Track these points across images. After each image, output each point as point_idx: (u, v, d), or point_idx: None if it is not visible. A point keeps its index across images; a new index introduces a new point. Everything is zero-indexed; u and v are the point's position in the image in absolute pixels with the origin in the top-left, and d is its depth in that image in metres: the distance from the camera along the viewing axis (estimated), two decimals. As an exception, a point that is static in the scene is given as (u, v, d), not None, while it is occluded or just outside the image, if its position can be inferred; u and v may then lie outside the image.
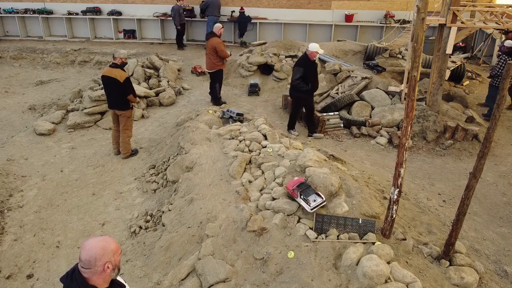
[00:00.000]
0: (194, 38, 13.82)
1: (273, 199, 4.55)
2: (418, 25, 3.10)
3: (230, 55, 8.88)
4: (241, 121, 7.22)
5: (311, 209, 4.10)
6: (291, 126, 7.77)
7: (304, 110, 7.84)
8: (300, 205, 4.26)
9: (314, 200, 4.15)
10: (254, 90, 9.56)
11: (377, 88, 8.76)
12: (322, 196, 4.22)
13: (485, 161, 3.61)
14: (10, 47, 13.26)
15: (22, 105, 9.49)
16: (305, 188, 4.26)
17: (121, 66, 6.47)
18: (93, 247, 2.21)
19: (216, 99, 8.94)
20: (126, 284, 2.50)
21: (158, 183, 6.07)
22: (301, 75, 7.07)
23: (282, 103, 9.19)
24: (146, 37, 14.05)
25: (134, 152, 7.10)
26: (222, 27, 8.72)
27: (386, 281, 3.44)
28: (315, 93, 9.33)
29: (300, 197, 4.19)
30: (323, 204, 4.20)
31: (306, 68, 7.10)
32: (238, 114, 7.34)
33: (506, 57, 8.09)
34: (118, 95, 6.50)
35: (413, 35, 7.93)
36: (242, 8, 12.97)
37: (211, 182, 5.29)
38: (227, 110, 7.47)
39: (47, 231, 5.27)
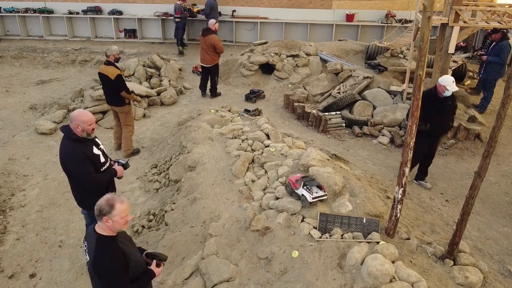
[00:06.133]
0: (195, 38, 13.80)
1: (277, 198, 4.54)
2: (424, 23, 3.09)
3: None
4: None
5: (313, 198, 4.11)
6: (418, 175, 6.21)
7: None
8: (301, 199, 4.28)
9: (317, 192, 4.18)
10: (250, 96, 9.31)
11: (378, 87, 8.75)
12: (325, 190, 4.25)
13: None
14: (10, 46, 13.23)
15: (23, 105, 9.47)
16: (309, 180, 4.30)
17: (115, 62, 6.53)
18: (74, 112, 3.81)
19: (215, 91, 9.51)
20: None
21: (160, 183, 6.07)
22: None
23: (283, 102, 9.19)
24: (147, 37, 14.03)
25: (136, 151, 7.11)
26: (216, 22, 9.22)
27: (391, 281, 3.43)
28: (316, 93, 9.38)
29: (303, 187, 4.21)
30: (324, 198, 4.23)
31: (427, 103, 5.25)
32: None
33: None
34: (112, 92, 6.61)
35: (415, 35, 7.94)
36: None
37: (214, 181, 5.28)
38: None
39: (49, 231, 5.27)
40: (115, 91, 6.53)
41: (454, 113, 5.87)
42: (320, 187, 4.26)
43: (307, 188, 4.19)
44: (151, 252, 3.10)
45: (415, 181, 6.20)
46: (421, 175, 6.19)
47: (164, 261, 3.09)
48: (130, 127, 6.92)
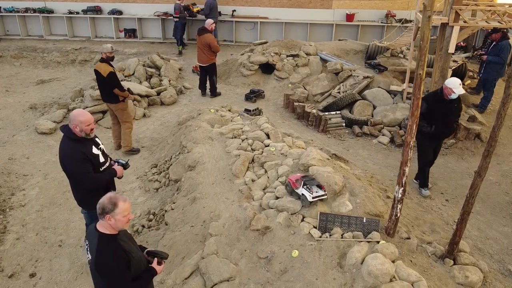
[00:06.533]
0: (195, 38, 13.78)
1: (277, 198, 4.54)
2: (424, 23, 3.09)
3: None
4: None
5: (313, 198, 4.11)
6: (422, 183, 6.00)
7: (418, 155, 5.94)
8: (301, 199, 4.27)
9: (317, 191, 4.18)
10: (249, 96, 9.32)
11: (378, 87, 8.75)
12: (325, 189, 4.25)
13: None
14: (10, 46, 13.23)
15: (23, 104, 9.47)
16: (309, 179, 4.29)
17: (108, 60, 6.58)
18: (73, 112, 3.82)
19: (215, 91, 9.50)
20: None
21: (160, 182, 6.07)
22: (422, 111, 5.22)
23: (283, 102, 9.19)
24: (146, 36, 14.04)
25: (136, 150, 7.12)
26: (214, 23, 9.34)
27: (391, 280, 3.43)
28: (316, 93, 9.37)
29: (303, 187, 4.20)
30: (324, 197, 4.23)
31: (433, 104, 5.47)
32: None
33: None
34: (105, 89, 6.69)
35: (415, 34, 7.94)
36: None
37: (214, 181, 5.27)
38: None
39: (49, 230, 5.26)
40: (108, 88, 6.61)
41: (459, 116, 5.78)
42: (320, 186, 4.26)
43: (307, 187, 4.19)
44: (152, 250, 3.11)
45: (415, 181, 6.17)
46: (422, 181, 6.03)
47: (165, 259, 3.09)
48: (128, 124, 6.97)
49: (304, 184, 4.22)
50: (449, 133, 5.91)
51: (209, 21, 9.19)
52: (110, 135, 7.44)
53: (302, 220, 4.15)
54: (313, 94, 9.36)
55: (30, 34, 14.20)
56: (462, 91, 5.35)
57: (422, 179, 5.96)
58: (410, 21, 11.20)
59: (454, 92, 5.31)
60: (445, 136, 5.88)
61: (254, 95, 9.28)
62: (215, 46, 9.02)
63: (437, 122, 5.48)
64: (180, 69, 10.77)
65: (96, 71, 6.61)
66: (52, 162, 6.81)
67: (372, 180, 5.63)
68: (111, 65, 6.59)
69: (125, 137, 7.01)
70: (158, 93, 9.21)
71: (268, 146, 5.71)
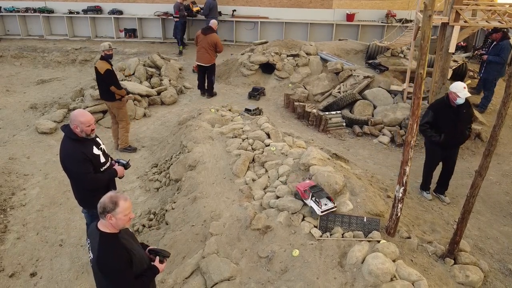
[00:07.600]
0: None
1: (277, 197, 4.54)
2: (425, 22, 3.09)
3: None
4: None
5: (322, 212, 4.04)
6: (423, 185, 5.92)
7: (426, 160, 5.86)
8: (306, 206, 4.23)
9: (326, 204, 4.07)
10: (253, 94, 9.38)
11: (379, 87, 8.76)
12: (334, 202, 4.15)
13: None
14: (11, 46, 13.23)
15: (23, 104, 9.47)
16: (318, 191, 4.17)
17: (106, 58, 6.65)
18: (74, 113, 3.81)
19: (211, 90, 9.51)
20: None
21: (161, 182, 6.07)
22: (428, 120, 5.34)
23: (284, 102, 9.19)
24: (147, 36, 14.04)
25: (131, 149, 7.14)
26: (217, 24, 9.51)
27: (391, 279, 3.43)
28: (316, 92, 9.37)
29: (312, 199, 4.12)
30: (333, 209, 4.11)
31: (439, 112, 5.31)
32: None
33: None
34: (102, 86, 6.78)
35: (415, 34, 7.94)
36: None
37: (214, 180, 5.28)
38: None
39: (50, 230, 5.27)
40: (105, 85, 6.68)
41: (470, 121, 5.56)
42: (329, 198, 4.14)
43: (315, 200, 4.09)
44: (154, 249, 3.12)
45: (434, 194, 5.94)
46: (441, 189, 5.87)
47: (167, 257, 3.10)
48: (123, 123, 7.03)
49: (312, 196, 4.12)
50: (462, 140, 5.58)
51: (214, 21, 9.28)
52: (110, 135, 7.44)
53: (303, 220, 4.15)
54: (314, 94, 9.37)
55: (30, 34, 14.21)
56: (467, 95, 5.13)
57: (424, 182, 5.89)
58: (411, 21, 11.21)
59: (459, 97, 5.10)
60: (458, 143, 5.59)
61: (257, 93, 9.32)
62: (221, 45, 9.07)
63: (446, 130, 5.28)
64: (180, 69, 10.78)
65: (95, 69, 6.72)
66: (52, 162, 6.81)
67: (372, 179, 5.63)
68: (110, 63, 6.65)
69: (120, 136, 7.09)
70: (159, 93, 9.22)
71: (269, 145, 5.71)
